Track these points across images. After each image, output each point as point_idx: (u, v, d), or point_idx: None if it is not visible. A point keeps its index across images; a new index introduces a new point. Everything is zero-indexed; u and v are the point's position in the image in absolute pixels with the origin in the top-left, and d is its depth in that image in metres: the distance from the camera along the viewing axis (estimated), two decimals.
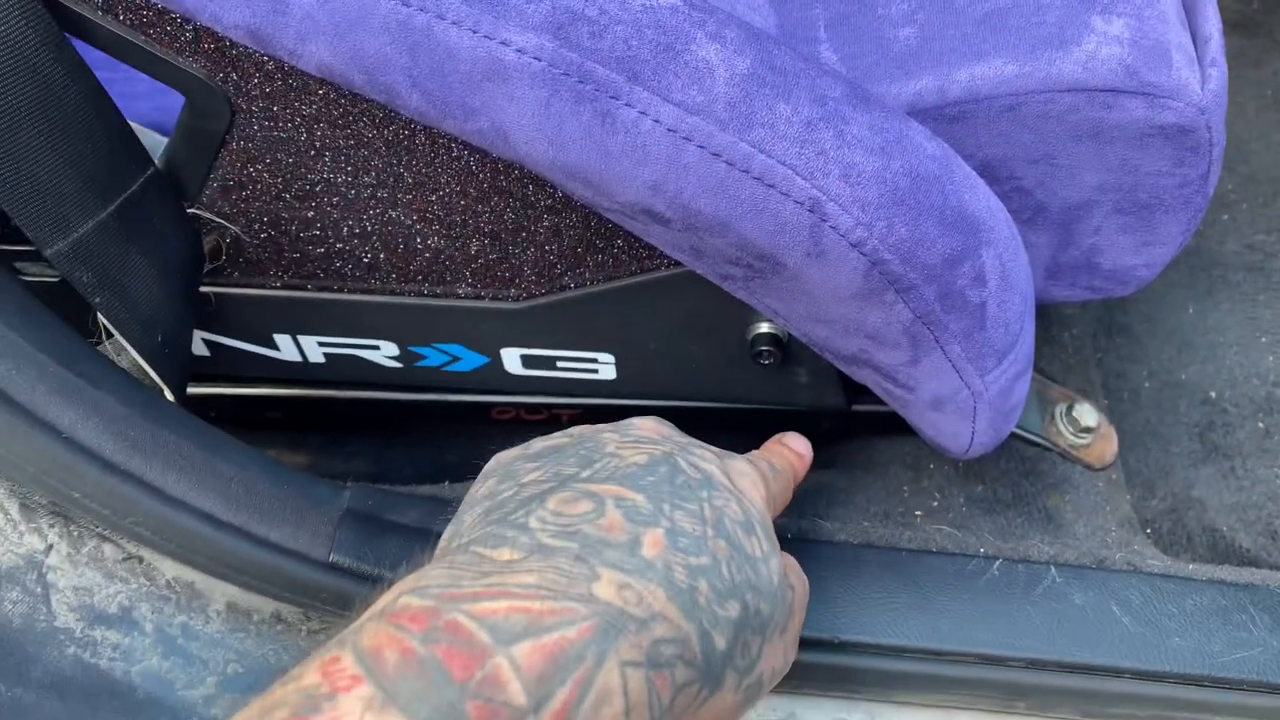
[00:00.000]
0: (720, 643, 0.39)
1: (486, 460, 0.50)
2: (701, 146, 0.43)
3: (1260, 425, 0.85)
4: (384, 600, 0.36)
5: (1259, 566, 0.74)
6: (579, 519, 0.40)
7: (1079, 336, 0.80)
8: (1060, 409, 0.74)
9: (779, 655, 0.45)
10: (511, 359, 0.65)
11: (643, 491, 0.42)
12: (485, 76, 0.42)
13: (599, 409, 0.70)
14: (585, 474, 0.43)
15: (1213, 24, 0.55)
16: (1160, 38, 0.52)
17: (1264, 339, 0.91)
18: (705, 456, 0.47)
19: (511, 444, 0.49)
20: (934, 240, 0.46)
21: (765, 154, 0.43)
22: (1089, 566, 0.58)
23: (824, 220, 0.45)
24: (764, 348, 0.60)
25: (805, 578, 0.50)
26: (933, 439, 0.59)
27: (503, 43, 0.42)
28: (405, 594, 0.35)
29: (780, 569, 0.44)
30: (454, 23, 0.42)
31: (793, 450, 0.56)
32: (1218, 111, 0.52)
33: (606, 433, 0.48)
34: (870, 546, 0.57)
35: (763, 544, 0.44)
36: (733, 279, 0.51)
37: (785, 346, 0.60)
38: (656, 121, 0.43)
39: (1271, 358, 0.90)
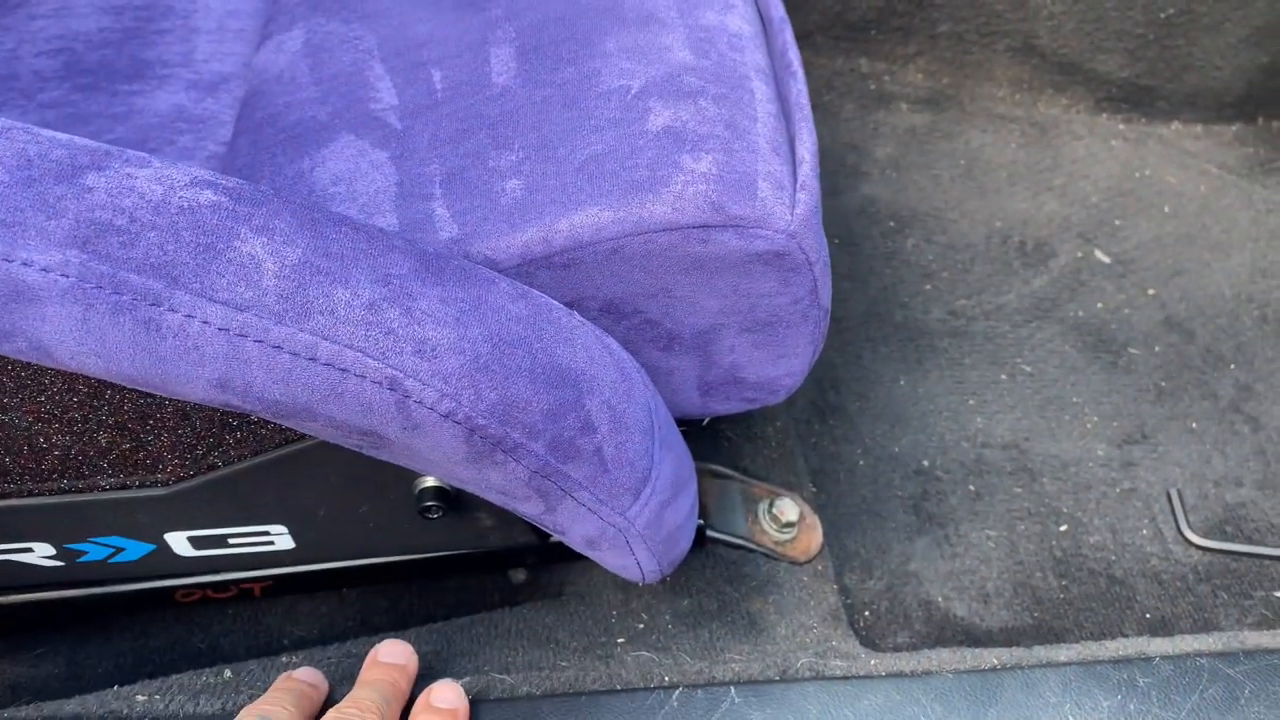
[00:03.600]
0: None
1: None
2: (259, 341, 0.42)
3: (971, 488, 0.89)
4: None
5: (973, 638, 0.77)
6: None
7: (783, 429, 0.82)
8: (763, 507, 0.75)
9: None
10: (179, 543, 0.62)
11: None
12: (10, 299, 0.40)
13: (287, 578, 0.67)
14: None
15: (806, 148, 0.58)
16: (748, 170, 0.54)
17: (971, 401, 0.96)
18: None
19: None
20: (528, 400, 0.46)
21: (330, 340, 0.43)
22: (773, 680, 0.58)
23: (407, 397, 0.44)
24: (429, 502, 0.59)
25: None
26: (611, 570, 0.59)
27: (24, 263, 0.40)
28: None
29: None
30: None
31: (391, 664, 0.55)
32: (809, 233, 0.54)
33: None
34: (551, 696, 0.56)
35: None
36: (361, 447, 0.50)
37: (453, 497, 0.59)
38: (205, 323, 0.41)
39: (980, 419, 0.94)
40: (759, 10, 0.69)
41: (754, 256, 0.54)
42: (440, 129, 0.60)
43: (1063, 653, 0.62)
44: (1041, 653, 0.62)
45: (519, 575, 0.77)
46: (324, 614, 0.74)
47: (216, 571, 0.67)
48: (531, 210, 0.54)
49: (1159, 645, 0.63)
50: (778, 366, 0.61)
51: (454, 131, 0.59)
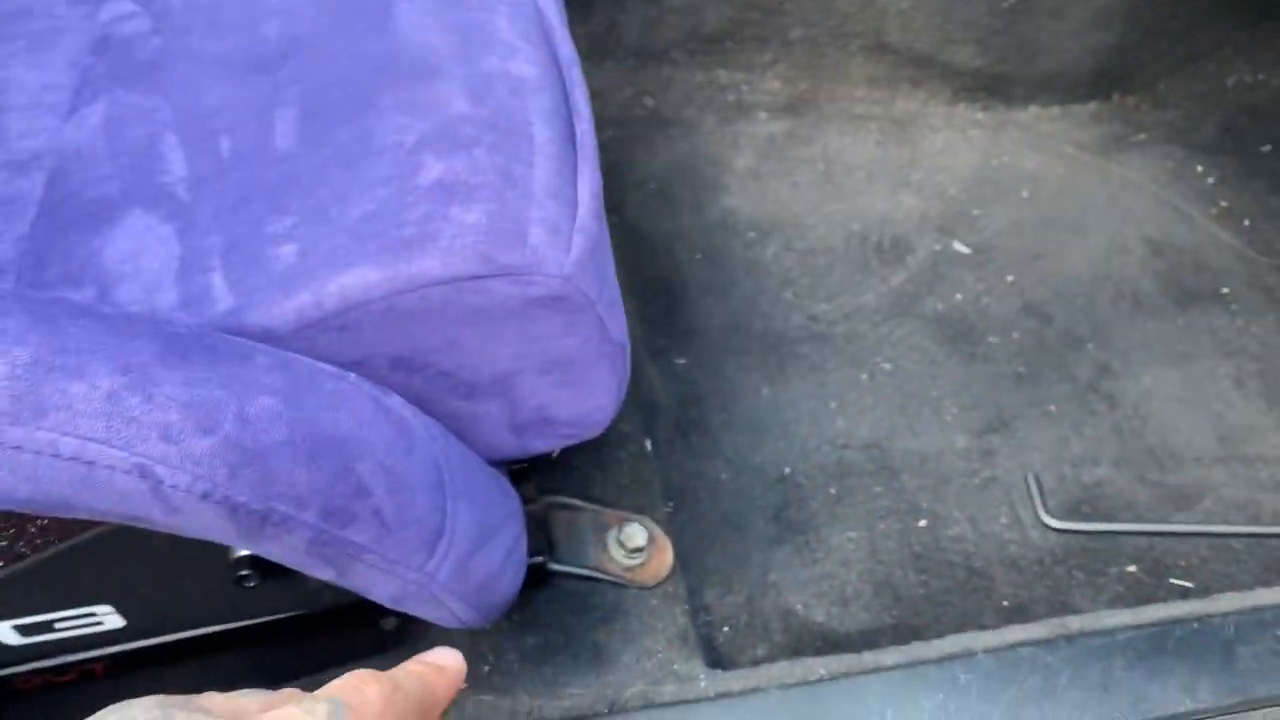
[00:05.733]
0: None
1: None
2: None
3: (832, 491, 0.90)
4: None
5: (831, 642, 0.78)
6: None
7: (636, 453, 0.83)
8: (613, 534, 0.76)
9: None
10: (4, 632, 0.62)
11: None
12: None
13: (125, 655, 0.67)
14: None
15: (587, 188, 0.58)
16: (519, 216, 0.55)
17: (833, 404, 0.97)
18: None
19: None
20: (289, 472, 0.46)
21: (71, 435, 0.43)
22: (600, 713, 0.59)
23: (160, 483, 0.44)
24: (243, 571, 0.59)
25: None
26: (432, 621, 0.60)
27: None
28: None
29: None
30: None
31: (429, 665, 0.43)
32: (586, 275, 0.55)
33: None
34: None
35: None
36: (142, 525, 0.50)
37: (266, 564, 0.59)
38: None
39: (841, 421, 0.96)
40: (552, 53, 0.69)
41: (532, 302, 0.55)
42: (224, 198, 0.60)
43: (890, 656, 0.63)
44: (870, 658, 0.63)
45: (389, 622, 0.77)
46: (188, 682, 0.74)
47: (50, 656, 0.66)
48: (304, 275, 0.54)
49: (984, 639, 0.64)
50: (585, 403, 0.62)
51: (236, 200, 0.60)
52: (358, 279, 0.53)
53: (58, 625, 0.62)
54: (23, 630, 0.62)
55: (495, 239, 0.54)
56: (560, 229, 0.56)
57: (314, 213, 0.57)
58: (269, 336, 0.53)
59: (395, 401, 0.53)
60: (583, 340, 0.57)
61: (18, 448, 0.42)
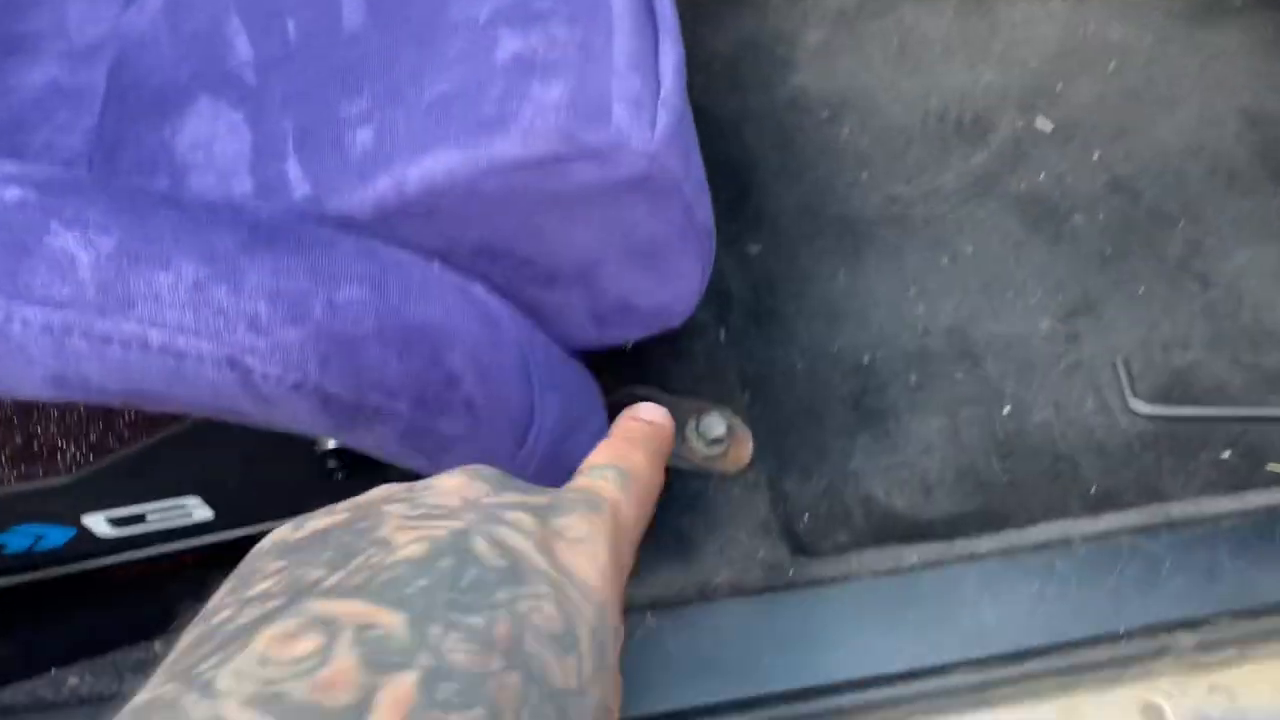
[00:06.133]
0: None
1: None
2: (85, 335, 0.41)
3: (912, 379, 0.88)
4: None
5: (913, 529, 0.77)
6: (291, 671, 0.27)
7: (711, 343, 0.81)
8: (691, 424, 0.75)
9: None
10: (98, 524, 0.63)
11: (405, 606, 0.29)
12: None
13: (214, 546, 0.68)
14: (330, 581, 0.30)
15: (668, 61, 0.55)
16: (602, 92, 0.52)
17: (912, 290, 0.94)
18: (519, 524, 0.32)
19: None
20: (381, 363, 0.45)
21: (159, 326, 0.42)
22: (689, 600, 0.59)
23: (250, 373, 0.43)
24: (331, 463, 0.59)
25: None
26: None
27: None
28: None
29: (602, 703, 0.31)
30: None
31: (647, 422, 0.42)
32: (673, 153, 0.52)
33: (394, 503, 0.34)
34: None
35: (583, 667, 0.30)
36: (235, 419, 0.50)
37: (355, 456, 0.59)
38: (25, 324, 0.41)
39: (921, 306, 0.93)
40: None
41: (617, 184, 0.52)
42: (294, 82, 0.58)
43: (984, 544, 0.62)
44: (962, 546, 0.62)
45: None
46: None
47: (142, 547, 0.67)
48: (382, 160, 0.52)
49: (1082, 526, 0.63)
50: (668, 291, 0.60)
51: (307, 83, 0.57)
52: (438, 163, 0.51)
53: (150, 517, 0.63)
54: (115, 522, 0.63)
55: (578, 117, 0.51)
56: (644, 104, 0.53)
57: (388, 95, 0.54)
58: (348, 224, 0.52)
59: (479, 290, 0.52)
60: (668, 224, 0.55)
61: (106, 340, 0.42)
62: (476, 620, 0.29)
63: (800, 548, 0.74)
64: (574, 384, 0.58)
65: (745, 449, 0.75)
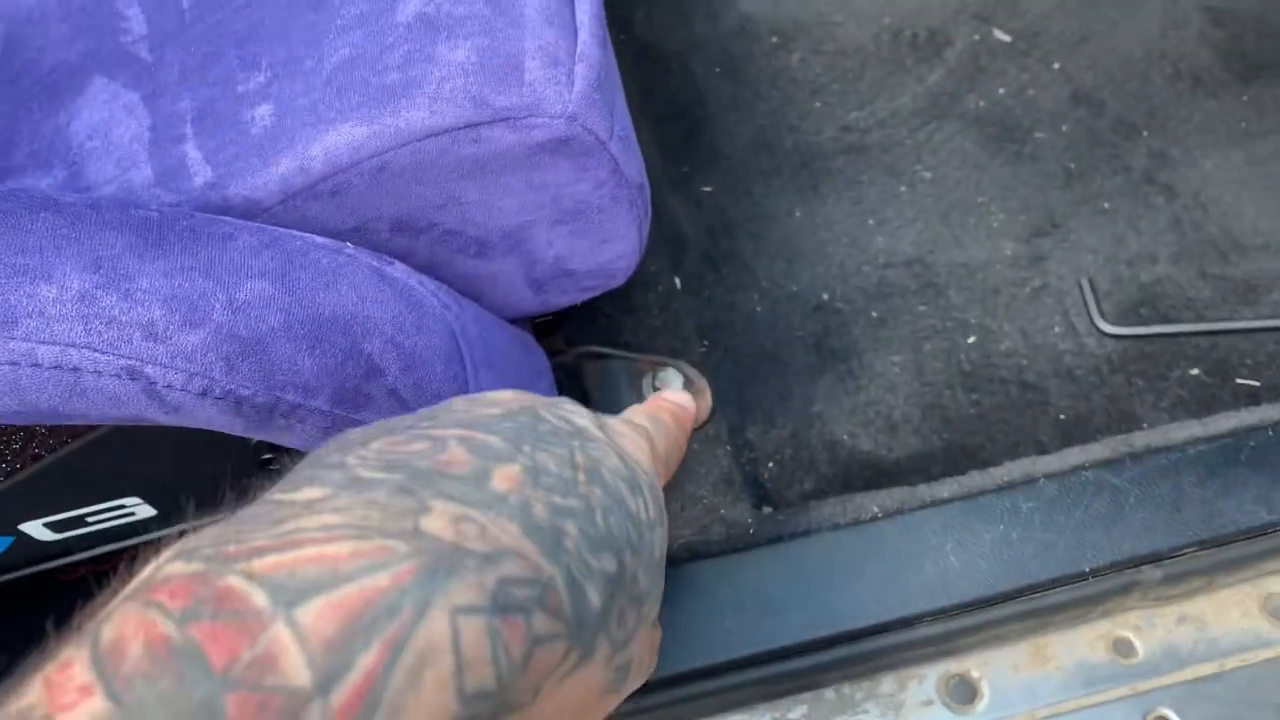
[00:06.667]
0: (594, 598, 0.30)
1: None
2: None
3: (874, 314, 0.86)
4: (145, 572, 0.27)
5: (880, 470, 0.75)
6: (410, 455, 0.31)
7: (664, 292, 0.78)
8: (648, 380, 0.73)
9: (648, 649, 0.36)
10: (37, 530, 0.61)
11: (497, 433, 0.33)
12: None
13: (159, 542, 0.66)
14: (425, 423, 0.34)
15: (585, 8, 0.52)
16: (513, 50, 0.49)
17: (871, 220, 0.92)
18: (577, 411, 0.38)
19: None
20: (292, 360, 0.43)
21: (47, 343, 0.39)
22: None
23: (154, 384, 0.41)
24: (264, 455, 0.57)
25: None
26: None
27: None
28: (170, 560, 0.26)
29: (664, 544, 0.36)
30: None
31: (673, 402, 0.47)
32: (593, 111, 0.49)
33: (458, 401, 0.37)
34: None
35: (649, 508, 0.35)
36: (146, 424, 0.48)
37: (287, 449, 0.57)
38: None
39: (880, 238, 0.91)
40: None
41: (536, 147, 0.49)
42: (189, 56, 0.54)
43: (946, 489, 0.60)
44: (925, 491, 0.61)
45: None
46: None
47: (86, 549, 0.65)
48: (283, 138, 0.49)
49: (1046, 464, 0.61)
50: (605, 251, 0.57)
51: (202, 57, 0.54)
52: (342, 138, 0.48)
53: (90, 520, 0.61)
54: (54, 526, 0.61)
55: (489, 78, 0.48)
56: (559, 60, 0.50)
57: (287, 65, 0.51)
58: (254, 208, 0.49)
59: (399, 270, 0.49)
60: (596, 184, 0.52)
61: None
62: (559, 449, 0.34)
63: (765, 498, 0.73)
64: (514, 355, 0.56)
65: (705, 402, 0.73)
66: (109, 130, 0.54)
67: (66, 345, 0.40)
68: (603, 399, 0.72)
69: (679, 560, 0.59)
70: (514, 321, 0.63)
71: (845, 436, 0.78)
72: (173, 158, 0.51)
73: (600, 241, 0.56)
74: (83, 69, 0.57)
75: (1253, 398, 0.78)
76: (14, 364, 0.39)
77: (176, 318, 0.41)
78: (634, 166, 0.54)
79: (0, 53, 0.64)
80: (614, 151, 0.51)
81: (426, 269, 0.54)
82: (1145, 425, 0.78)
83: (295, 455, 0.57)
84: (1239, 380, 0.80)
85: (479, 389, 0.51)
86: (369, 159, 0.48)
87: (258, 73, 0.51)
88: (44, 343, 0.39)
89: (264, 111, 0.50)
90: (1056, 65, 1.01)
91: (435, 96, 0.47)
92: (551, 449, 0.33)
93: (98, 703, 0.23)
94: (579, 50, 0.50)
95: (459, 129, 0.48)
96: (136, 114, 0.54)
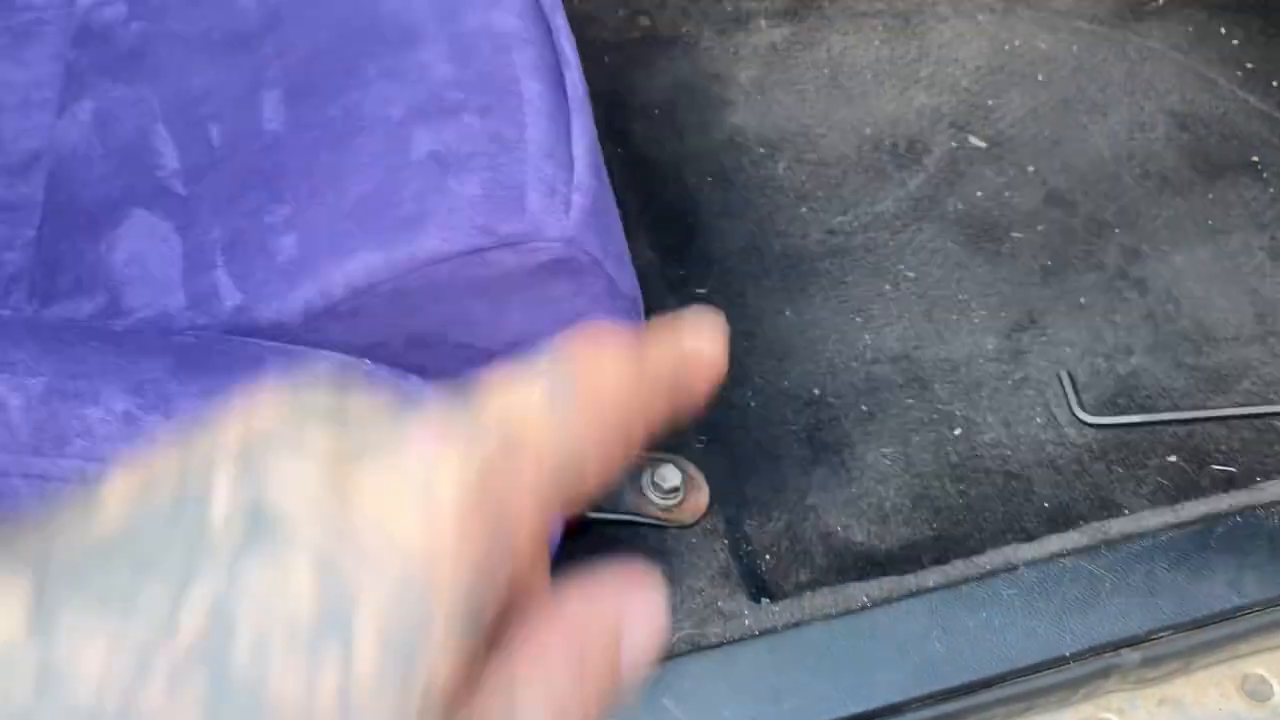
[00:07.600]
0: None
1: None
2: (24, 475, 0.43)
3: (863, 408, 0.90)
4: None
5: (872, 560, 0.79)
6: None
7: None
8: (647, 476, 0.76)
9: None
10: None
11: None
12: None
13: None
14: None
15: (580, 141, 0.57)
16: (516, 182, 0.54)
17: (858, 318, 0.96)
18: (298, 476, 0.16)
19: None
20: None
21: (95, 461, 0.43)
22: None
23: None
24: None
25: None
26: None
27: None
28: None
29: None
30: None
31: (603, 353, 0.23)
32: (589, 233, 0.54)
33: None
34: None
35: (352, 673, 0.16)
36: None
37: None
38: None
39: (867, 335, 0.95)
40: None
41: (538, 268, 0.54)
42: (220, 189, 0.60)
43: (932, 577, 0.64)
44: (911, 580, 0.64)
45: None
46: None
47: None
48: (307, 265, 0.54)
49: (1026, 552, 0.64)
50: None
51: (232, 190, 0.59)
52: (360, 265, 0.53)
53: None
54: None
55: (494, 208, 0.53)
56: (557, 189, 0.55)
57: (310, 198, 0.56)
58: (280, 330, 0.53)
59: (414, 384, 0.53)
60: (593, 299, 0.57)
61: (44, 479, 0.43)
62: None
63: (762, 590, 0.76)
64: None
65: (702, 496, 0.76)
66: (146, 259, 0.59)
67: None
68: (604, 494, 0.76)
69: (679, 653, 0.61)
70: None
71: (839, 528, 0.81)
72: (205, 284, 0.56)
73: None
74: (122, 202, 0.63)
75: (1229, 482, 0.82)
76: (64, 480, 0.43)
77: None
78: (628, 282, 0.58)
79: (47, 186, 0.70)
80: (609, 268, 0.56)
81: (439, 378, 0.58)
82: (1126, 511, 0.81)
83: None
84: (1215, 466, 0.83)
85: None
86: (385, 283, 0.53)
87: (283, 205, 0.57)
88: (92, 460, 0.43)
89: (289, 241, 0.55)
90: (1031, 168, 1.07)
91: (446, 225, 0.52)
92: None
93: None
94: (575, 180, 0.55)
95: (467, 253, 0.52)
96: (170, 243, 0.59)
